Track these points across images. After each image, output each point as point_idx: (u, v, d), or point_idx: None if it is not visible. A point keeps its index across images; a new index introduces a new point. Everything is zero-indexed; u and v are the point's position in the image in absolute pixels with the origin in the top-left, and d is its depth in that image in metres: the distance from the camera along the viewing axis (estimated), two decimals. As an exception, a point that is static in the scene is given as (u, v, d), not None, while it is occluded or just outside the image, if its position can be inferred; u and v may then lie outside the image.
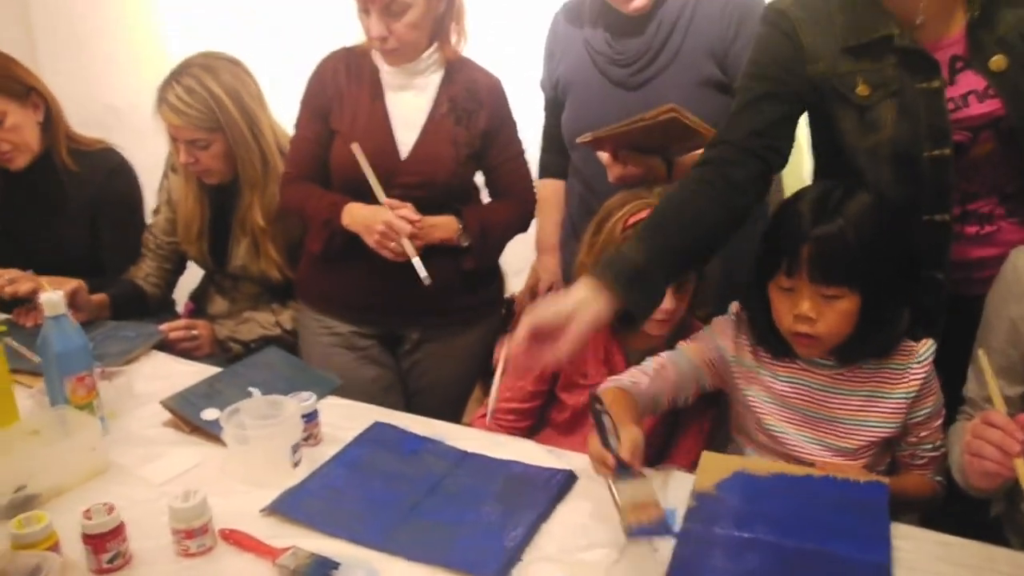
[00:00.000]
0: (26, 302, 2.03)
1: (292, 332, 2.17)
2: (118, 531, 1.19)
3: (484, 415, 1.73)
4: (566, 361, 1.66)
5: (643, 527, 1.17)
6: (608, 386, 1.47)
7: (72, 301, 1.90)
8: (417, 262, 1.79)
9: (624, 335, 1.67)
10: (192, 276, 2.39)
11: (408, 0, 1.75)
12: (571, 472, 1.40)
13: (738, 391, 1.54)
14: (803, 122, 1.62)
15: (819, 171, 1.64)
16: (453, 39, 1.88)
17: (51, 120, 2.20)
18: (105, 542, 1.18)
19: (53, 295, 1.49)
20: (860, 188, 1.38)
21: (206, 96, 1.99)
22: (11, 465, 1.36)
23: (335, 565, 1.19)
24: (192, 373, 1.81)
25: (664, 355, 1.55)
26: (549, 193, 2.11)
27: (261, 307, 2.23)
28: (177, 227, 2.23)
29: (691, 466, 1.57)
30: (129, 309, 2.15)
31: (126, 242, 2.30)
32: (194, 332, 2.10)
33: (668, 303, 1.55)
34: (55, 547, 1.18)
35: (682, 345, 1.56)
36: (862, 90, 1.40)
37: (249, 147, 2.05)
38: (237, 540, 1.24)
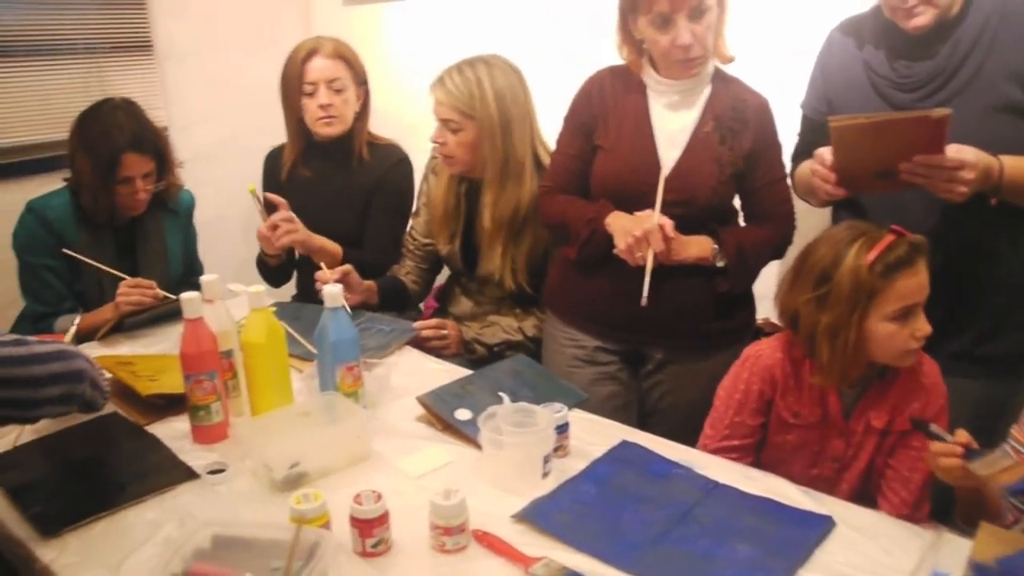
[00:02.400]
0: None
1: (533, 339, 2.21)
2: (383, 518, 1.25)
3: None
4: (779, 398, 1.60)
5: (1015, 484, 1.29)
6: None
7: (343, 280, 2.09)
8: (647, 280, 1.75)
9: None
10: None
11: (709, 2, 1.74)
12: (830, 518, 1.32)
13: None
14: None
15: None
16: (722, 44, 1.83)
17: (364, 112, 2.49)
18: (372, 527, 1.24)
19: (334, 288, 1.60)
20: None
21: (472, 83, 2.09)
22: (287, 443, 1.46)
23: (586, 582, 1.19)
24: (441, 371, 1.88)
25: None
26: None
27: (504, 312, 2.28)
28: (432, 229, 2.33)
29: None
30: (393, 300, 2.30)
31: (388, 228, 2.48)
32: (443, 331, 2.19)
33: (927, 327, 1.48)
34: (327, 525, 1.25)
35: None
36: None
37: (495, 146, 2.11)
38: (490, 543, 1.27)
